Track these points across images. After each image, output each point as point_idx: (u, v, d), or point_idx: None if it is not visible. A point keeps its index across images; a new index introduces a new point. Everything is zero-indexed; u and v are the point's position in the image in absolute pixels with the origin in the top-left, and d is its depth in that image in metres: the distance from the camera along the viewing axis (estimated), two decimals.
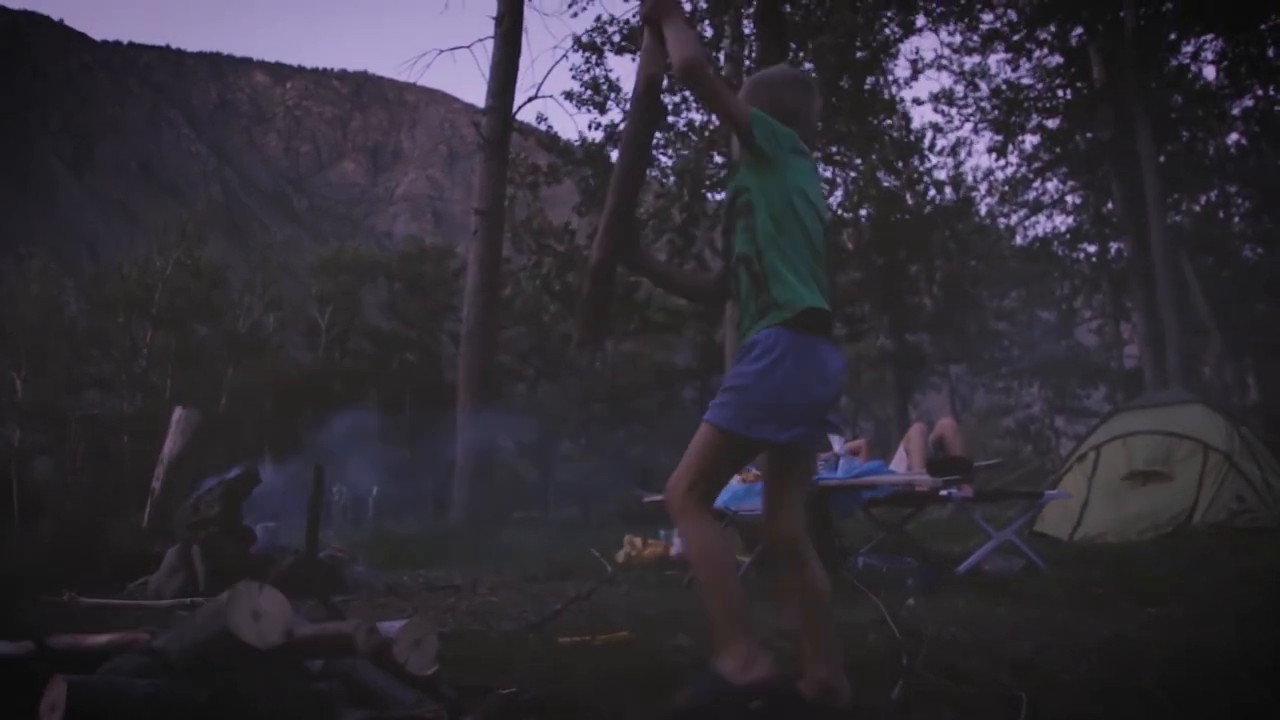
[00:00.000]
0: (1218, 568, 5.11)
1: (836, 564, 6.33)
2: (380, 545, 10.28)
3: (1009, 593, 4.68)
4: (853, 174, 20.98)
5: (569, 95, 17.06)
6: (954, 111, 21.57)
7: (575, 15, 17.92)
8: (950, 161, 22.55)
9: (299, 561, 6.64)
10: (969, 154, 45.30)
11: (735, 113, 2.45)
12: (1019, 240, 24.10)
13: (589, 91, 17.07)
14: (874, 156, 18.89)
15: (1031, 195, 23.37)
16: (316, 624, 2.36)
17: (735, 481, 6.56)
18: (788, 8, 15.12)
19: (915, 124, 20.98)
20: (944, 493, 5.89)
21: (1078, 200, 23.86)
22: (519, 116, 16.05)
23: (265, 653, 2.10)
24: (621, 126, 17.22)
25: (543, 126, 17.59)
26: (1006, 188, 22.73)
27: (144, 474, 8.63)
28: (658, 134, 17.38)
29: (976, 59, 20.97)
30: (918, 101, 50.78)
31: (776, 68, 2.74)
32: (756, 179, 2.48)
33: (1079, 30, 19.67)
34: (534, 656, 3.48)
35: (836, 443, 6.31)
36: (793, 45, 16.18)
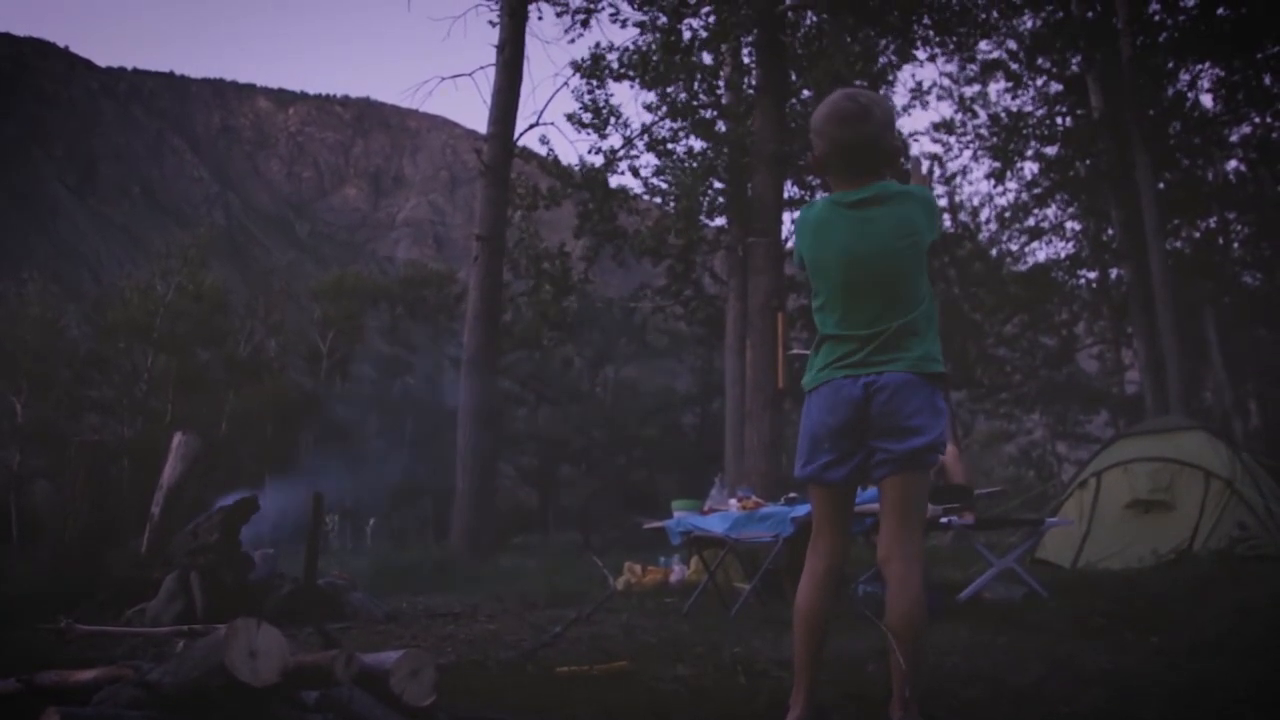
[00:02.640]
0: (1220, 597, 5.08)
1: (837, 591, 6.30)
2: (380, 572, 10.24)
3: (1010, 621, 4.66)
4: None
5: (570, 117, 17.17)
6: (952, 139, 21.71)
7: (573, 41, 18.08)
8: (946, 189, 22.60)
9: (297, 589, 6.62)
10: (967, 181, 45.44)
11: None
12: (1020, 266, 24.15)
13: (589, 115, 17.17)
14: None
15: (1031, 221, 23.45)
16: (294, 654, 2.35)
17: (735, 508, 6.55)
18: (789, 34, 15.24)
19: (914, 152, 21.02)
20: (945, 520, 5.87)
21: (1077, 226, 23.93)
22: (520, 143, 16.12)
23: (260, 690, 2.08)
24: (621, 151, 17.33)
25: (544, 151, 17.69)
26: (1008, 214, 22.80)
27: (143, 499, 8.60)
28: (655, 159, 17.49)
29: (976, 88, 21.16)
30: (916, 132, 50.84)
31: (816, 111, 2.77)
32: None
33: (1077, 59, 19.79)
34: (532, 686, 3.46)
35: None
36: (792, 73, 16.30)
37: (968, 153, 21.99)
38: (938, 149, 22.52)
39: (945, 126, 21.41)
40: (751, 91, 16.30)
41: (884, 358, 2.56)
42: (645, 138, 17.33)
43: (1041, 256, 24.52)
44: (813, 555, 2.73)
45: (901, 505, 2.60)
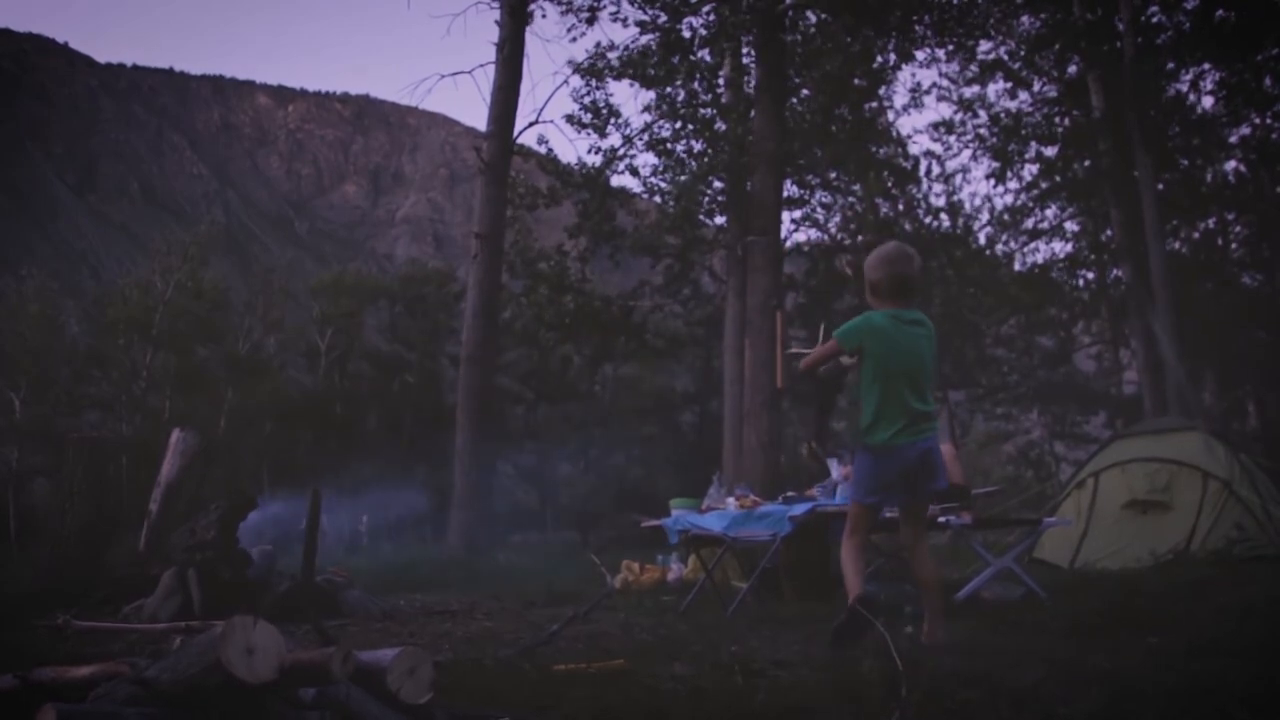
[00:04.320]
0: (1218, 597, 5.08)
1: (835, 590, 6.30)
2: (378, 570, 10.24)
3: (1008, 621, 4.66)
4: (850, 200, 21.06)
5: (570, 119, 17.14)
6: (953, 139, 21.68)
7: (574, 40, 18.08)
8: (945, 189, 22.59)
9: (295, 586, 6.62)
10: (966, 181, 45.41)
11: (818, 351, 4.18)
12: (1017, 266, 24.11)
13: (589, 115, 17.15)
14: (870, 175, 18.94)
15: (1030, 222, 23.41)
16: (292, 652, 2.34)
17: (733, 507, 6.55)
18: (789, 33, 15.24)
19: (913, 151, 21.06)
20: (943, 519, 5.87)
21: (1076, 227, 23.90)
22: (520, 141, 16.10)
23: (256, 687, 2.08)
24: (621, 150, 17.35)
25: (543, 149, 17.66)
26: (1006, 215, 22.77)
27: (142, 496, 8.59)
28: (655, 160, 17.50)
29: (976, 89, 21.13)
30: (915, 131, 50.98)
31: (872, 253, 4.22)
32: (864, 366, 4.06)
33: (1076, 60, 19.78)
34: (529, 684, 3.46)
35: (835, 469, 6.29)
36: (792, 73, 16.29)
37: (967, 152, 21.98)
38: (937, 147, 22.51)
39: (945, 126, 21.39)
40: (751, 91, 16.30)
41: (925, 427, 4.00)
42: (645, 136, 17.32)
43: (1040, 257, 24.49)
44: (856, 535, 4.11)
45: (924, 515, 4.26)
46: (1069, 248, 24.35)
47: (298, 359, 41.03)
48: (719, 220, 18.22)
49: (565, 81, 17.15)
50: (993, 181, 22.12)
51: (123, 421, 32.13)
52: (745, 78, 16.96)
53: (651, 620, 5.75)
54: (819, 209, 21.70)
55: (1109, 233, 21.63)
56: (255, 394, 34.73)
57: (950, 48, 17.42)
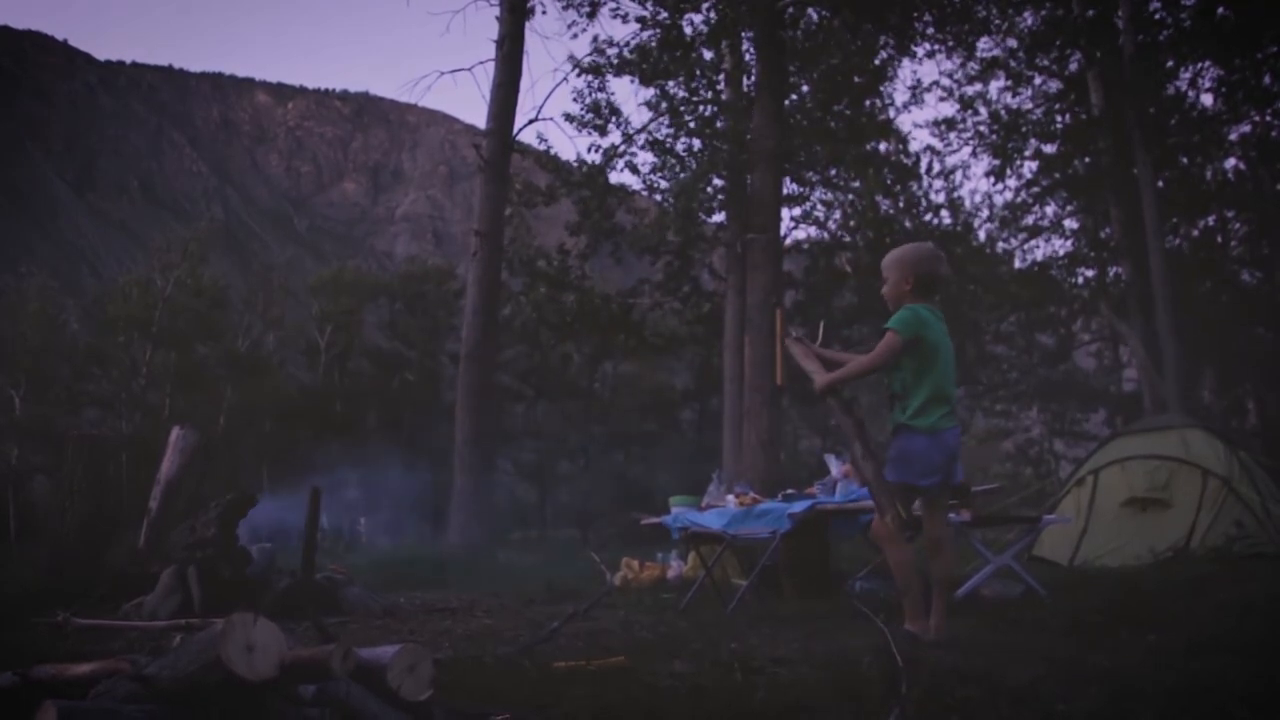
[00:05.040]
0: (1217, 595, 5.08)
1: (834, 588, 6.31)
2: (378, 567, 10.24)
3: (1007, 619, 4.66)
4: (850, 197, 21.03)
5: (570, 118, 17.12)
6: (953, 136, 21.67)
7: (575, 37, 18.05)
8: (945, 185, 22.58)
9: (295, 584, 6.62)
10: (966, 178, 45.42)
11: (886, 350, 4.14)
12: (1017, 264, 24.10)
13: (590, 114, 17.13)
14: (870, 172, 18.90)
15: (1030, 219, 23.40)
16: (292, 649, 2.34)
17: (732, 504, 6.55)
18: (789, 30, 15.22)
19: (913, 147, 21.03)
20: None
21: (1075, 224, 23.88)
22: (519, 138, 16.08)
23: (256, 684, 2.08)
24: (620, 148, 17.35)
25: (542, 147, 17.64)
26: (1006, 212, 22.75)
27: (142, 494, 8.58)
28: (654, 158, 17.47)
29: (976, 87, 21.11)
30: (916, 127, 51.00)
31: (909, 248, 4.43)
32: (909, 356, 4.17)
33: (1077, 56, 19.77)
34: (529, 682, 3.46)
35: (834, 467, 6.29)
36: (793, 70, 16.27)
37: (967, 149, 21.97)
38: (937, 143, 22.51)
39: (946, 123, 21.39)
40: (751, 88, 16.28)
41: (954, 414, 4.19)
42: (645, 135, 17.30)
43: (1040, 254, 24.47)
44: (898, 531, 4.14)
45: (948, 505, 4.38)
46: (1069, 245, 24.34)
47: (297, 356, 40.99)
48: (718, 218, 18.21)
49: (565, 79, 17.11)
50: (992, 179, 22.13)
51: (122, 419, 32.13)
52: (745, 75, 16.95)
53: (651, 618, 5.75)
54: (819, 206, 21.69)
55: (1108, 230, 21.62)
56: (255, 392, 34.71)
57: (950, 44, 17.41)
